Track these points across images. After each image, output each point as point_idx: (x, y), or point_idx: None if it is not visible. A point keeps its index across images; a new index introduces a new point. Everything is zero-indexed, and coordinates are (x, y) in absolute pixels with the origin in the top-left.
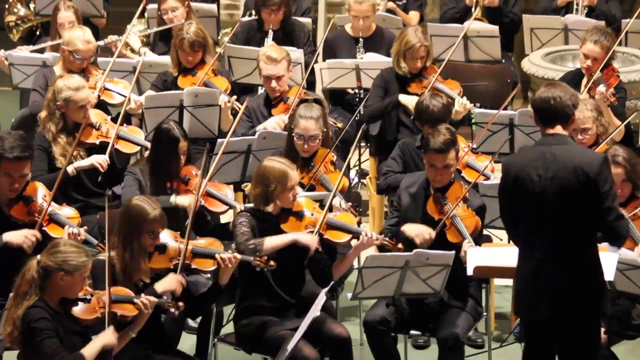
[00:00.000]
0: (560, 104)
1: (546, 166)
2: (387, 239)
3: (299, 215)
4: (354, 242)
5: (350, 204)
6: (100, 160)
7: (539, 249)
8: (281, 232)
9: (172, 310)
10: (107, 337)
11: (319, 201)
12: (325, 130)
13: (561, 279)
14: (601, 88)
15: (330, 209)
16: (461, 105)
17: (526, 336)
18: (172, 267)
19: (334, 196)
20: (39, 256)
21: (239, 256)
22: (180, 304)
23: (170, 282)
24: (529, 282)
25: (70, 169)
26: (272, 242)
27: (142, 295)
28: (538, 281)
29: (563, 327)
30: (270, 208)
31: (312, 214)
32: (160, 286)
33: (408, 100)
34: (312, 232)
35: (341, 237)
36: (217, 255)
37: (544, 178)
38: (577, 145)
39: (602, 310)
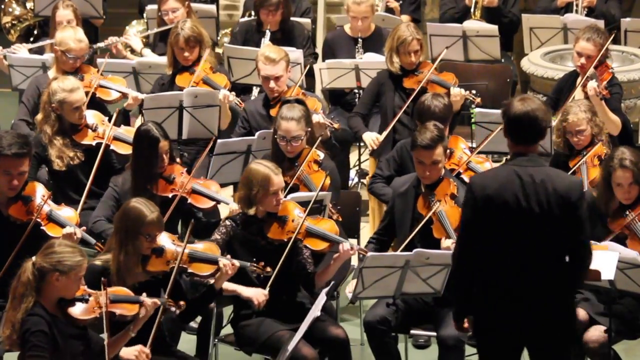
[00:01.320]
0: (540, 121)
1: (526, 191)
2: (363, 248)
3: (282, 221)
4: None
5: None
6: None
7: (519, 269)
8: (265, 238)
9: (173, 309)
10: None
11: (308, 203)
12: (309, 130)
13: (539, 297)
14: (592, 83)
15: (312, 213)
16: (457, 94)
17: (493, 348)
18: (168, 270)
19: (314, 201)
20: (34, 258)
21: (237, 263)
22: (182, 302)
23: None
24: (512, 302)
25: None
26: (225, 286)
27: (144, 295)
28: (522, 302)
29: (539, 339)
30: (252, 211)
31: (293, 220)
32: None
33: (367, 138)
34: (265, 282)
35: (319, 246)
36: (219, 261)
37: (523, 202)
38: (550, 168)
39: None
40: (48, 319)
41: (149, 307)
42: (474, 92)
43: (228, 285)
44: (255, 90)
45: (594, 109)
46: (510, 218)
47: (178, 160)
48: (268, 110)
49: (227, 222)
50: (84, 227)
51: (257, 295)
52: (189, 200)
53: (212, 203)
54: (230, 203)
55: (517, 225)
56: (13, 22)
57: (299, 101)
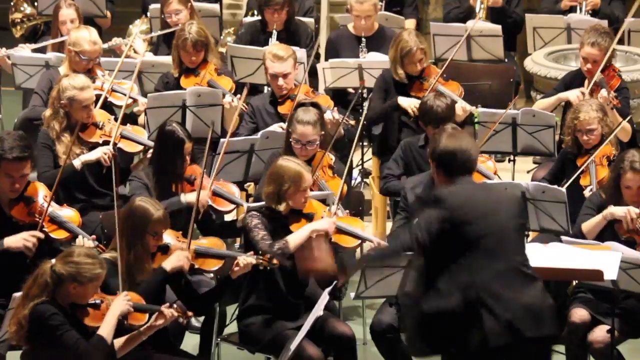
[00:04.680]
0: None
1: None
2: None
3: (309, 218)
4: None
5: (347, 211)
6: (106, 152)
7: None
8: (290, 232)
9: (181, 320)
10: (119, 305)
11: (322, 200)
12: (323, 133)
13: None
14: (603, 92)
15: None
16: (461, 109)
17: None
18: None
19: (339, 201)
20: (53, 260)
21: (252, 259)
22: (190, 313)
23: (177, 259)
24: None
25: (77, 163)
26: (295, 239)
27: (166, 305)
28: None
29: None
30: (282, 207)
31: (322, 217)
32: (168, 264)
33: (407, 104)
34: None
35: (350, 243)
36: (239, 260)
37: None
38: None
39: None
40: (58, 308)
41: (167, 318)
42: (479, 106)
43: (295, 237)
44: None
45: (605, 108)
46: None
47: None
48: (275, 108)
49: (254, 213)
50: (94, 236)
51: (330, 225)
52: (210, 202)
53: (232, 206)
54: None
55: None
56: (22, 19)
57: (314, 104)
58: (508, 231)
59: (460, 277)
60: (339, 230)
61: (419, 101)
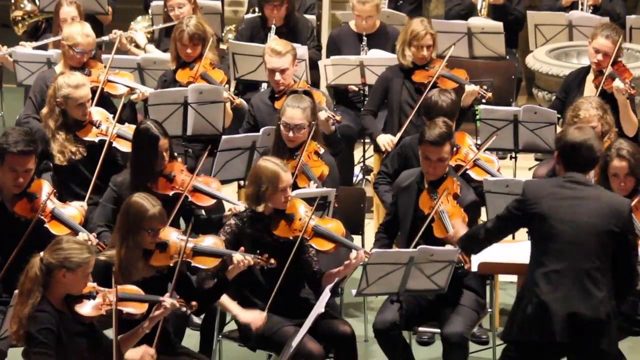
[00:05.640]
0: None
1: None
2: (369, 252)
3: (290, 219)
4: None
5: (326, 215)
6: (82, 211)
7: None
8: (271, 235)
9: (184, 309)
10: None
11: (315, 199)
12: (313, 122)
13: None
14: (617, 82)
15: (316, 209)
16: (470, 91)
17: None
18: (172, 264)
19: (318, 201)
20: (42, 253)
21: (249, 258)
22: (194, 303)
23: (139, 357)
24: None
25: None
26: (223, 301)
27: (166, 295)
28: None
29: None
30: (261, 208)
31: (300, 219)
32: (131, 354)
33: (382, 141)
34: (262, 309)
35: (325, 246)
36: (234, 258)
37: None
38: None
39: None
40: (55, 315)
41: (168, 308)
42: (484, 87)
43: (226, 303)
44: (264, 86)
45: (605, 106)
46: None
47: (179, 158)
48: (273, 103)
49: (232, 221)
50: (95, 233)
51: (255, 320)
52: (190, 199)
53: (213, 201)
54: (239, 205)
55: None
56: (23, 16)
57: (307, 93)
58: (585, 234)
59: (530, 267)
60: (316, 233)
61: (395, 138)
